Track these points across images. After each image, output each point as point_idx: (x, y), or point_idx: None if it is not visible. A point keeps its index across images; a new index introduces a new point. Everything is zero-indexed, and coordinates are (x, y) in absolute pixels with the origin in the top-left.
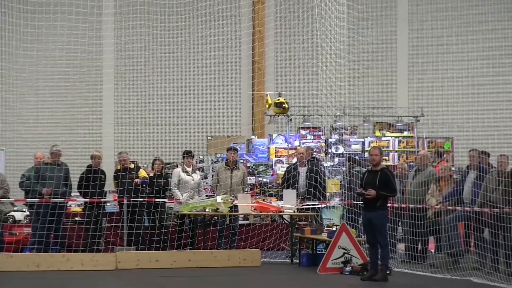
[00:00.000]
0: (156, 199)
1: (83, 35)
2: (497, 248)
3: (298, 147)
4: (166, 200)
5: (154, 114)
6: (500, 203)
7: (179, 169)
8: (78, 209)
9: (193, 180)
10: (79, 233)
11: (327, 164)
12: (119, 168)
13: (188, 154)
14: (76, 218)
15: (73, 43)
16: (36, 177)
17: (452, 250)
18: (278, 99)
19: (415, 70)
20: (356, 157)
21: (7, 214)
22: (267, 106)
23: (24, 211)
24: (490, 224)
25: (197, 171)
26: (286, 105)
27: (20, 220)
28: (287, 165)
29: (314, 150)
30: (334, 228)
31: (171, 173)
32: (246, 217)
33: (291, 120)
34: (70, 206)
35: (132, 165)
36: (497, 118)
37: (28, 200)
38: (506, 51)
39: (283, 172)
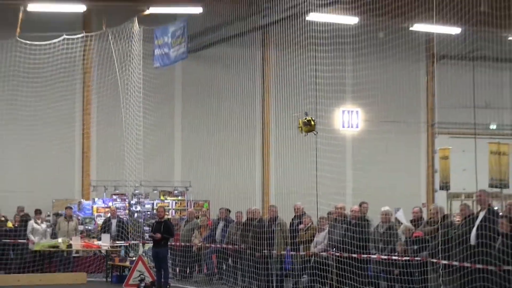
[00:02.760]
0: (18, 240)
1: None
2: (237, 271)
3: (111, 206)
4: (25, 241)
5: (17, 185)
6: (238, 242)
7: (32, 221)
8: None
9: (41, 228)
10: None
11: (131, 215)
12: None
13: (37, 211)
14: None
15: None
16: None
17: (208, 272)
18: (306, 118)
19: (187, 156)
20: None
21: None
22: (300, 129)
23: None
24: (232, 255)
25: (44, 222)
26: (313, 122)
27: None
28: (104, 218)
29: (120, 208)
30: (134, 258)
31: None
32: (77, 251)
33: (106, 189)
34: None
35: (2, 219)
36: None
37: None
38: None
39: (102, 222)
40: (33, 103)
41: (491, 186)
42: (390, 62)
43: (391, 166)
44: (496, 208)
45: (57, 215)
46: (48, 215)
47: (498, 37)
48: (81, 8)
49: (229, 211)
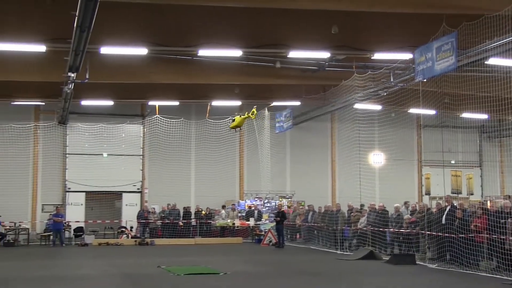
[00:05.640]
0: (208, 221)
1: None
2: (320, 237)
3: (254, 204)
4: (211, 221)
5: (208, 193)
6: (320, 223)
7: (223, 210)
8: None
9: (224, 213)
10: None
11: (264, 208)
12: (201, 211)
13: (223, 206)
14: None
15: None
16: None
17: (304, 238)
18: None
19: (294, 176)
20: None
21: None
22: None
23: None
24: (317, 229)
25: (223, 210)
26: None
27: None
28: (247, 210)
29: (259, 205)
30: (267, 230)
31: (220, 212)
32: (237, 226)
33: (251, 195)
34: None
35: (200, 209)
36: None
37: None
38: None
39: (247, 211)
40: (211, 152)
41: (452, 192)
42: (398, 129)
43: (400, 182)
44: (455, 204)
45: (228, 208)
46: (224, 207)
47: (454, 115)
48: (238, 103)
49: (313, 206)
